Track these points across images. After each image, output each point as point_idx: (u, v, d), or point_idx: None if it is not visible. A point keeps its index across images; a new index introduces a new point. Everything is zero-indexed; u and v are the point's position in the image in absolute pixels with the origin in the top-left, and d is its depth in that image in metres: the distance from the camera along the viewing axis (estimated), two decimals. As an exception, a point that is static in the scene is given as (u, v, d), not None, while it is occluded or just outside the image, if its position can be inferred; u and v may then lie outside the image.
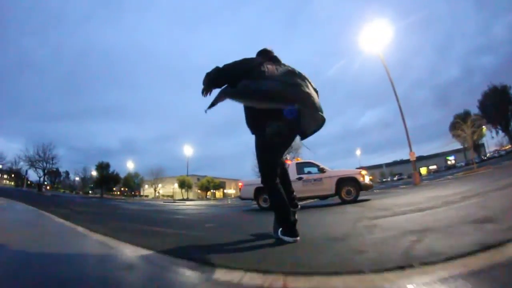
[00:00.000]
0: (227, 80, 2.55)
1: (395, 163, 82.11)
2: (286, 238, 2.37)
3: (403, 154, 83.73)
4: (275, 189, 2.46)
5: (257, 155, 2.56)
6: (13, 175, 53.91)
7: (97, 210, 9.81)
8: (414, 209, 3.93)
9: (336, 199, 8.73)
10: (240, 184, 10.33)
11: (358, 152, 63.72)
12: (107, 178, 57.66)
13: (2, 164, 51.55)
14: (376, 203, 6.65)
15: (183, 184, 60.97)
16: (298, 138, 2.76)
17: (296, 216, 2.52)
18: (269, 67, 2.47)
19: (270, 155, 2.51)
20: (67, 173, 78.53)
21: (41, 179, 49.14)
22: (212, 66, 2.60)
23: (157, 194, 67.85)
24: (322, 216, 4.94)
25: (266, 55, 2.68)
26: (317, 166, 9.14)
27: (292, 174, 9.06)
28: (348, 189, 8.33)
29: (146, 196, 68.72)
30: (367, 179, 8.69)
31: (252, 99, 2.45)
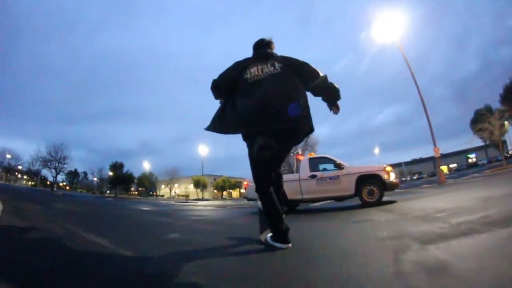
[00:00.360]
0: (222, 92, 2.58)
1: (414, 162, 79.25)
2: (278, 245, 2.25)
3: (422, 152, 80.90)
4: (267, 197, 2.35)
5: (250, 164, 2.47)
6: (32, 176, 55.03)
7: (79, 209, 8.61)
8: (481, 219, 2.51)
9: (356, 200, 7.39)
10: (245, 183, 9.12)
11: (376, 150, 60.88)
12: (120, 178, 57.98)
13: (20, 165, 52.49)
14: (407, 206, 5.30)
15: (198, 184, 60.58)
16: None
17: (287, 223, 2.36)
18: (252, 71, 2.36)
19: (260, 169, 2.40)
20: (85, 173, 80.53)
21: (55, 178, 49.34)
22: (225, 67, 2.56)
23: (173, 194, 67.72)
24: (338, 230, 3.54)
25: (256, 51, 2.57)
26: (333, 161, 7.72)
27: (305, 171, 7.83)
28: (371, 189, 6.92)
29: (162, 196, 68.60)
30: (392, 176, 7.23)
31: (228, 132, 2.48)
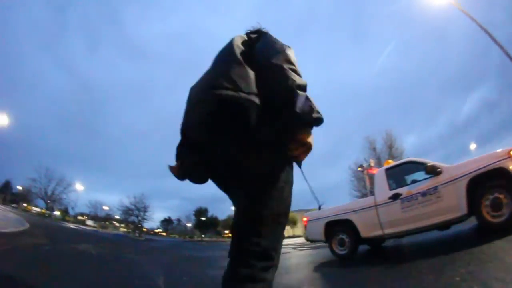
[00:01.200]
0: None
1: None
2: None
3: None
4: None
5: None
6: (127, 224, 61.78)
7: (104, 251, 7.92)
8: None
9: (469, 223, 4.63)
10: (304, 219, 6.69)
11: (473, 146, 47.72)
12: (205, 223, 60.15)
13: (117, 215, 59.24)
14: None
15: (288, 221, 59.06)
16: None
17: None
18: None
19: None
20: (178, 220, 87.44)
21: (138, 225, 53.13)
22: None
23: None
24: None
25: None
26: (423, 165, 4.75)
27: (382, 190, 5.32)
28: (495, 198, 3.93)
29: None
30: None
31: None
